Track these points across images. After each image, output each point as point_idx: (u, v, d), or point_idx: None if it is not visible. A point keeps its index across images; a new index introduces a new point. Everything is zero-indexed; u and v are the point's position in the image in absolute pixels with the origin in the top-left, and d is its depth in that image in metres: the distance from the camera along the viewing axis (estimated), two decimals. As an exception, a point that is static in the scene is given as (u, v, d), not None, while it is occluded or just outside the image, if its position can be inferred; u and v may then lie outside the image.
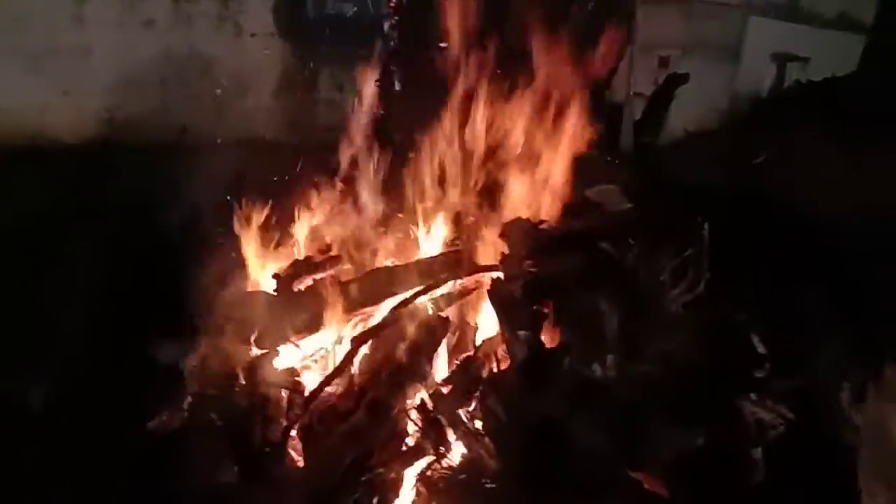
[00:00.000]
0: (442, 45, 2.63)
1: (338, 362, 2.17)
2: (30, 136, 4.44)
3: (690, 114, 5.55)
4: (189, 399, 2.17)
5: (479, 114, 2.50)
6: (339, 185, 2.67)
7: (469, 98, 2.56)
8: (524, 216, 2.34)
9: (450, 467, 2.01)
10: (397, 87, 2.77)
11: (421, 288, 2.24)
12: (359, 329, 2.30)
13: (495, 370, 2.10)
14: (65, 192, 3.85)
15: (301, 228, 2.59)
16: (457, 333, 2.25)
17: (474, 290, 2.34)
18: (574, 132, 2.51)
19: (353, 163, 2.73)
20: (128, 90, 4.85)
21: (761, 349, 2.15)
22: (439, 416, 2.04)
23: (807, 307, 2.60)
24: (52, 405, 2.44)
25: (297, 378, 2.19)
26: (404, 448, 2.08)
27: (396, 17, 2.99)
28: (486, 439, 2.00)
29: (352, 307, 2.28)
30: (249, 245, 2.46)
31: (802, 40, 6.46)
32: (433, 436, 2.01)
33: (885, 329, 1.32)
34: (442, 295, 2.29)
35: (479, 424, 2.03)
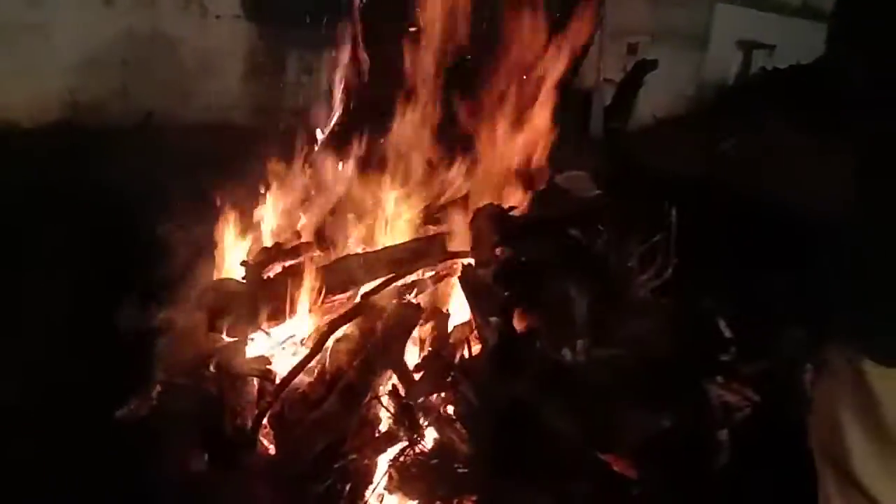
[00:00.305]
0: (412, 28, 2.61)
1: (308, 350, 2.16)
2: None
3: (659, 100, 5.62)
4: (158, 387, 2.14)
5: (449, 98, 2.49)
6: (309, 169, 2.65)
7: (439, 81, 2.55)
8: (494, 202, 2.34)
9: (422, 453, 2.02)
10: (367, 69, 2.73)
11: (392, 275, 2.24)
12: (330, 316, 2.29)
13: (467, 356, 2.11)
14: (27, 176, 3.76)
15: (270, 214, 2.57)
16: (428, 320, 2.25)
17: (445, 276, 2.34)
18: (543, 118, 2.52)
19: (323, 147, 2.71)
20: (89, 72, 4.75)
21: (727, 333, 2.20)
22: (411, 403, 2.04)
23: (772, 291, 2.66)
24: (17, 396, 2.39)
25: (267, 366, 2.17)
26: (377, 434, 2.08)
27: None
28: (458, 424, 2.01)
29: (322, 294, 2.26)
30: (218, 231, 2.43)
31: (768, 28, 6.56)
32: (405, 422, 2.01)
33: (831, 311, 1.36)
34: (413, 281, 2.29)
35: (451, 410, 2.05)
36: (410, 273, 2.28)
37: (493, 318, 2.04)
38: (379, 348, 2.12)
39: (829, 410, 1.33)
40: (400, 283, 2.26)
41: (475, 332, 2.14)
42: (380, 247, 2.44)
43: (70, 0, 4.66)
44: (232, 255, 2.44)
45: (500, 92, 2.54)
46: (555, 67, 2.52)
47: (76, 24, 4.69)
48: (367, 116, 2.64)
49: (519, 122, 2.52)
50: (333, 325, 2.17)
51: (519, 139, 2.49)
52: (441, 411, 2.05)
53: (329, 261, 2.41)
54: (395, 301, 2.22)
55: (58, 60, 4.67)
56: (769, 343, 2.30)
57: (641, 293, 2.25)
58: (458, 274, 2.20)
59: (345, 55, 2.84)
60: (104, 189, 3.54)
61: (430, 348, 2.20)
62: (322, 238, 2.49)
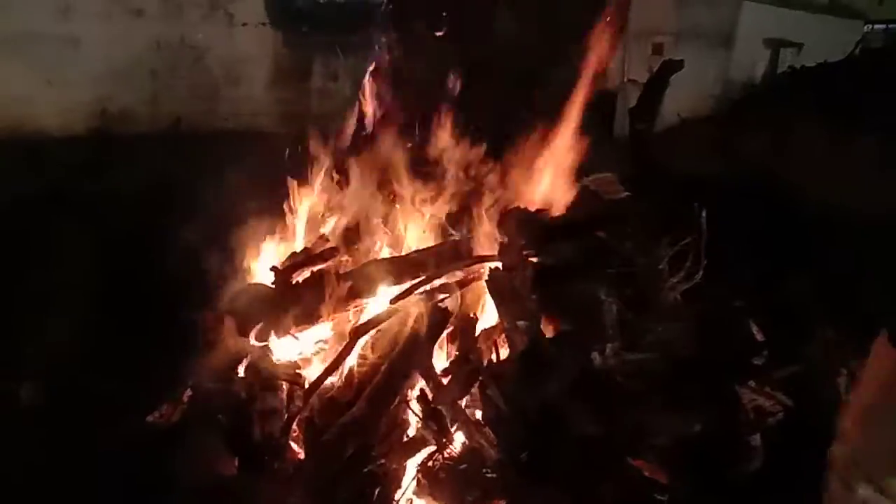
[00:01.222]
0: (437, 33, 2.62)
1: (337, 354, 2.16)
2: (13, 127, 4.42)
3: (685, 100, 5.57)
4: (189, 392, 2.16)
5: (475, 102, 2.48)
6: (336, 175, 2.66)
7: (465, 85, 2.55)
8: (522, 206, 2.33)
9: (450, 457, 2.01)
10: (393, 75, 2.74)
11: (420, 279, 2.24)
12: (358, 321, 2.29)
13: (495, 360, 2.10)
14: (57, 183, 3.83)
15: (298, 220, 2.58)
16: (457, 324, 2.24)
17: (473, 280, 2.33)
18: (572, 122, 2.50)
19: (350, 152, 2.72)
20: (118, 81, 4.82)
21: (759, 336, 2.17)
22: (439, 407, 2.03)
23: (803, 294, 2.62)
24: (51, 401, 2.43)
25: (296, 370, 2.19)
26: (405, 439, 2.08)
27: (389, 4, 2.95)
28: (486, 429, 2.00)
29: (350, 299, 2.27)
30: (246, 236, 2.45)
31: (796, 26, 6.47)
32: (434, 426, 2.01)
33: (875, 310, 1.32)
34: (441, 285, 2.29)
35: (479, 414, 2.04)
36: (438, 277, 2.27)
37: (521, 322, 2.03)
38: (407, 352, 2.12)
39: (869, 417, 1.29)
40: (427, 287, 2.25)
41: (503, 335, 2.13)
42: (407, 251, 2.44)
43: (99, 11, 4.75)
44: (260, 261, 2.45)
45: (529, 94, 2.53)
46: (582, 72, 2.50)
47: (105, 35, 4.77)
48: (394, 122, 2.64)
49: (548, 127, 2.51)
50: (361, 330, 2.17)
51: (548, 144, 2.47)
52: (469, 416, 2.04)
53: (357, 265, 2.41)
54: (422, 305, 2.21)
55: (87, 71, 4.75)
56: (802, 346, 2.26)
57: (671, 296, 2.22)
58: (486, 278, 2.19)
59: (370, 62, 2.85)
60: (133, 195, 3.60)
61: (458, 352, 2.19)
62: (349, 243, 2.50)
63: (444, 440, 2.02)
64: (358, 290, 2.29)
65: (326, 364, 2.16)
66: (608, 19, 2.45)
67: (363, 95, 2.86)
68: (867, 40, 7.22)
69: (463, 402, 2.07)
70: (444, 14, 2.56)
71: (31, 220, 3.45)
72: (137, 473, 2.08)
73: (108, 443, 2.18)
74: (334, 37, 4.58)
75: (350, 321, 2.31)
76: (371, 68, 2.82)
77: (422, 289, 2.23)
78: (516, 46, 2.55)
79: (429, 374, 2.08)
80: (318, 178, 2.66)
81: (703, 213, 2.22)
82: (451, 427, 2.03)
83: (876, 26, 7.68)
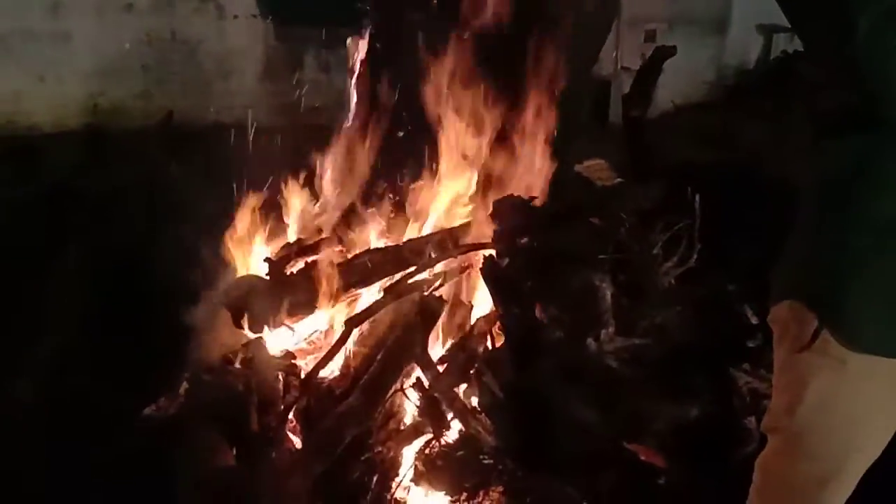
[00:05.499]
0: (432, 21, 2.60)
1: (332, 344, 2.16)
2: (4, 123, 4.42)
3: (678, 87, 5.56)
4: (185, 385, 2.16)
5: (469, 90, 2.47)
6: (328, 166, 2.65)
7: (457, 74, 2.54)
8: (515, 193, 2.33)
9: (447, 445, 2.02)
10: (384, 65, 2.72)
11: (414, 268, 2.24)
12: (352, 311, 2.29)
13: (490, 348, 2.11)
14: (50, 179, 3.82)
15: (291, 211, 2.57)
16: (451, 312, 2.25)
17: (468, 268, 2.34)
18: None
19: (342, 143, 2.71)
20: (110, 77, 4.81)
21: (753, 319, 2.17)
22: (436, 395, 2.04)
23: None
24: (46, 397, 2.43)
25: (292, 361, 2.19)
26: (402, 427, 2.09)
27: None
28: (483, 416, 2.01)
29: (345, 289, 2.27)
30: (240, 228, 2.44)
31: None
32: (430, 414, 2.02)
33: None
34: (435, 274, 2.29)
35: (475, 402, 2.04)
36: (432, 266, 2.28)
37: (516, 310, 2.03)
38: (402, 341, 2.12)
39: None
40: (421, 275, 2.25)
41: (498, 323, 2.13)
42: (400, 240, 2.44)
43: (90, 7, 4.73)
44: (254, 252, 2.45)
45: (519, 81, 2.52)
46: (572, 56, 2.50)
47: (96, 31, 4.75)
48: (387, 112, 2.63)
49: (539, 111, 2.51)
50: (356, 320, 2.17)
51: (539, 129, 2.47)
52: (466, 403, 2.05)
53: (350, 256, 2.41)
54: (417, 294, 2.21)
55: (79, 66, 4.74)
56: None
57: (666, 281, 2.22)
58: (480, 265, 2.19)
59: (362, 52, 2.83)
60: (126, 190, 3.59)
61: (453, 340, 2.20)
62: (343, 233, 2.49)
63: (441, 428, 2.02)
64: (352, 280, 2.29)
65: (322, 354, 2.16)
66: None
67: (355, 86, 2.85)
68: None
69: (459, 390, 2.07)
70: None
71: (23, 216, 3.44)
72: (135, 467, 2.08)
73: (104, 437, 2.18)
74: (326, 28, 4.56)
75: (345, 311, 2.31)
76: (362, 58, 2.80)
77: (416, 277, 2.24)
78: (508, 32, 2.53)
79: (425, 362, 2.09)
80: (312, 170, 2.65)
81: (697, 198, 2.22)
82: (448, 415, 2.04)
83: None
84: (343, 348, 2.15)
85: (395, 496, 2.00)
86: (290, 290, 2.23)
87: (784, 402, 1.31)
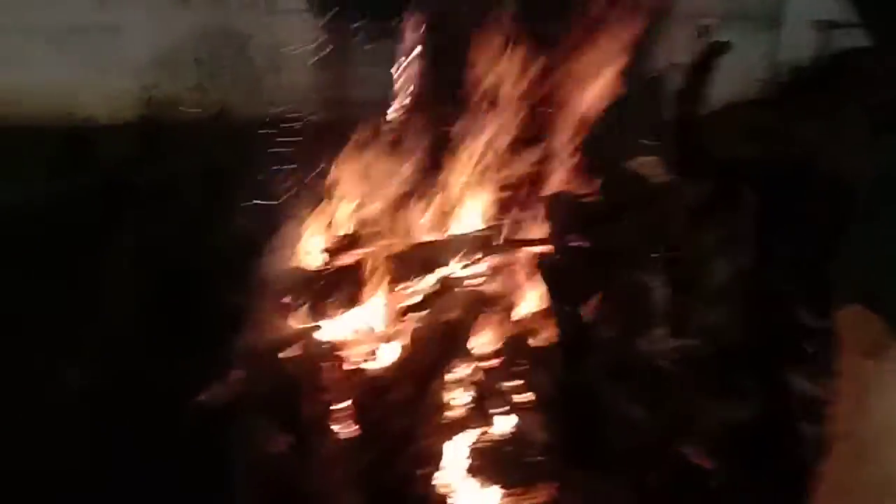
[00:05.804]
0: (480, 16, 2.59)
1: (383, 337, 2.19)
2: (62, 116, 4.52)
3: (731, 84, 5.45)
4: (238, 372, 2.20)
5: (522, 85, 2.46)
6: (380, 158, 2.67)
7: (509, 69, 2.53)
8: (567, 189, 2.32)
9: (496, 440, 2.03)
10: (436, 59, 2.73)
11: (467, 262, 2.25)
12: (402, 304, 2.31)
13: (541, 344, 2.10)
14: (103, 173, 3.91)
15: (343, 204, 2.59)
16: (503, 307, 2.25)
17: (519, 263, 2.33)
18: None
19: (393, 136, 2.73)
20: (163, 70, 4.90)
21: (811, 321, 2.12)
22: (484, 390, 2.05)
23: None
24: (103, 381, 2.50)
25: (343, 351, 2.21)
26: (449, 421, 2.09)
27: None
28: (533, 413, 2.01)
29: (395, 281, 2.29)
30: (292, 220, 2.48)
31: (846, 7, 6.29)
32: (479, 409, 2.03)
33: None
34: (486, 268, 2.29)
35: (525, 398, 2.04)
36: (483, 260, 2.28)
37: (569, 306, 2.03)
38: (452, 335, 2.13)
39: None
40: (472, 269, 2.26)
41: (551, 319, 2.13)
42: (452, 234, 2.45)
43: (142, 2, 4.82)
44: (306, 244, 2.48)
45: (570, 77, 2.50)
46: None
47: (148, 24, 4.85)
48: (437, 105, 2.64)
49: (589, 108, 2.49)
50: (406, 312, 2.19)
51: (591, 126, 2.45)
52: (515, 399, 2.05)
53: (401, 249, 2.42)
54: (468, 288, 2.22)
55: (131, 60, 4.83)
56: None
57: (718, 281, 2.19)
58: (534, 261, 2.18)
59: (412, 46, 2.84)
60: (179, 182, 3.66)
61: (504, 336, 2.20)
62: (394, 226, 2.51)
63: (489, 423, 2.03)
64: (402, 273, 2.30)
65: (372, 346, 2.18)
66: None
67: (405, 79, 2.86)
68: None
69: (509, 386, 2.08)
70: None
71: (80, 207, 3.53)
72: (188, 453, 2.13)
73: (158, 424, 2.23)
74: (375, 22, 4.58)
75: (395, 304, 2.33)
76: (413, 51, 2.81)
77: (468, 271, 2.24)
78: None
79: (474, 356, 2.09)
80: (362, 163, 2.67)
81: (750, 196, 2.18)
82: (497, 410, 2.04)
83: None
84: (392, 341, 2.17)
85: (440, 488, 2.01)
86: (342, 281, 2.26)
87: (851, 408, 1.29)
